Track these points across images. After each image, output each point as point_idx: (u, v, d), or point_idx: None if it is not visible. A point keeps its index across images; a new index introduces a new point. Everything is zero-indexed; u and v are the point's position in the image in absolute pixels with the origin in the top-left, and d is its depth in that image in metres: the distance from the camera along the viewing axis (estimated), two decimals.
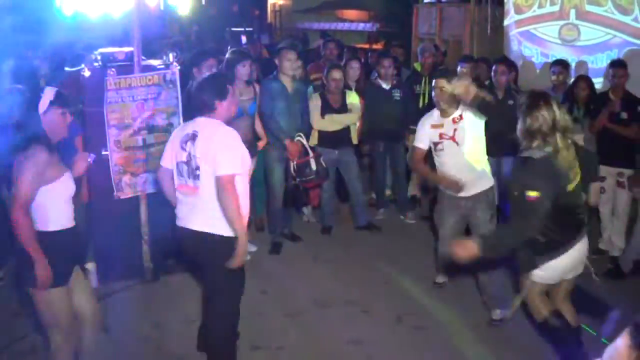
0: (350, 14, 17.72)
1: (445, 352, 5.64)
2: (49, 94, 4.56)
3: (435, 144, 6.05)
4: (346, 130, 7.94)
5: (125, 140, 6.45)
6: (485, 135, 7.59)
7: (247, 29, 16.60)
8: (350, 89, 8.08)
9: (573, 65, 8.67)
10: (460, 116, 5.97)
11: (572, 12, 9.32)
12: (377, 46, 13.45)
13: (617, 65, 7.24)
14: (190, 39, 16.38)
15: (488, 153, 7.63)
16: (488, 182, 6.21)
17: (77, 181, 6.84)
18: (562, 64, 8.28)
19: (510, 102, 7.51)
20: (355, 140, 8.08)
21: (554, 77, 8.22)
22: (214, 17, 19.82)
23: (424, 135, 6.14)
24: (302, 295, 6.60)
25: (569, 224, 4.69)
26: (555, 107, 4.55)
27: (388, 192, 9.17)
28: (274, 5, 21.55)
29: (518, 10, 10.54)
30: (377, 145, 8.58)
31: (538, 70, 10.04)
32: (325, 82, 7.79)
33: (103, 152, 6.44)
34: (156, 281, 6.83)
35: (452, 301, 6.52)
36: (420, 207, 9.26)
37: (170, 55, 6.76)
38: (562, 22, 9.56)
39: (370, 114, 8.19)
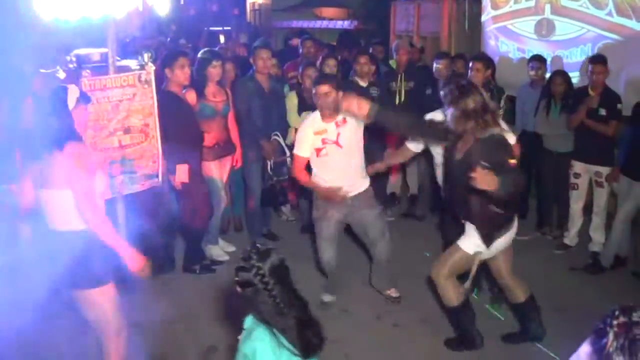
0: (329, 12, 17.73)
1: (423, 350, 5.66)
2: (74, 91, 4.65)
3: (318, 149, 5.93)
4: None
5: (100, 141, 6.41)
6: None
7: (225, 28, 16.56)
8: None
9: (549, 60, 8.68)
10: (344, 119, 5.88)
11: (547, 7, 9.35)
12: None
13: (597, 61, 7.21)
14: (168, 39, 16.32)
15: None
16: (367, 180, 6.21)
17: None
18: (539, 59, 8.30)
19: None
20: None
21: (532, 73, 8.25)
22: (193, 17, 19.75)
23: (306, 143, 5.99)
24: None
25: (517, 199, 5.13)
26: (482, 91, 5.02)
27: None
28: (253, 4, 21.50)
29: (495, 6, 10.57)
30: None
31: (515, 66, 10.07)
32: (300, 80, 7.78)
33: None
34: (134, 283, 6.79)
35: (431, 299, 6.54)
36: (400, 205, 9.29)
37: (146, 56, 6.73)
38: (537, 17, 9.59)
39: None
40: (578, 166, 7.37)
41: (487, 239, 5.14)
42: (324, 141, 5.88)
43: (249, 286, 3.13)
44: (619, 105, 7.06)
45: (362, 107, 5.16)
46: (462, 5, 11.99)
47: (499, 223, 5.13)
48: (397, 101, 8.56)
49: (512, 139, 5.16)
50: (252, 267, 3.12)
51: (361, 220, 6.15)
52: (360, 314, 6.26)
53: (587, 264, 7.23)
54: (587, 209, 7.53)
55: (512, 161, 4.74)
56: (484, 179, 4.45)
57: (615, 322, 1.42)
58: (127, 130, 6.41)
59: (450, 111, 4.99)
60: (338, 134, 5.86)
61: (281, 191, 7.64)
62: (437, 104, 5.95)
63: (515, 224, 5.30)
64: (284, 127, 7.64)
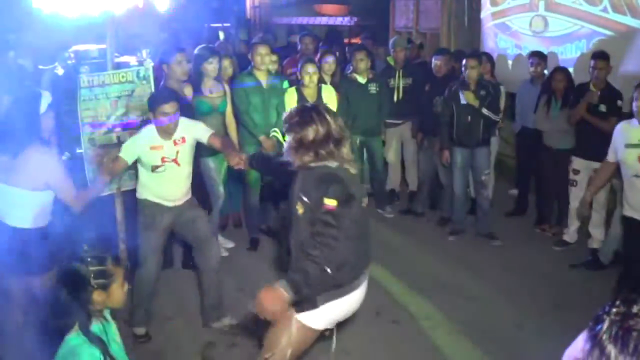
0: (329, 8, 17.70)
1: (421, 346, 5.66)
2: (47, 98, 4.96)
3: (155, 166, 5.55)
4: None
5: (99, 138, 6.41)
6: (457, 126, 7.67)
7: (224, 24, 16.53)
8: (326, 83, 8.06)
9: None
10: (183, 138, 5.57)
11: (542, 4, 9.34)
12: (356, 40, 13.43)
13: (598, 57, 7.18)
14: (168, 35, 16.29)
15: (460, 144, 7.71)
16: (190, 192, 5.94)
17: None
18: (539, 56, 8.30)
19: (482, 92, 7.56)
20: None
21: (532, 69, 8.25)
22: (193, 14, 19.71)
23: (133, 152, 5.54)
24: None
25: (361, 249, 4.07)
26: (329, 118, 3.98)
27: (366, 186, 9.16)
28: (253, 1, 21.47)
29: (493, 3, 10.56)
30: (354, 139, 8.56)
31: (514, 63, 10.06)
32: (299, 77, 7.77)
33: (77, 151, 6.40)
34: (133, 279, 6.79)
35: (430, 296, 6.54)
36: (399, 201, 9.29)
37: (144, 52, 6.72)
38: (532, 14, 9.58)
39: (346, 108, 8.17)
40: (577, 162, 7.36)
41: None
42: (163, 159, 5.53)
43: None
44: (619, 102, 7.05)
45: (239, 161, 5.23)
46: (462, 1, 11.97)
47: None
48: (395, 98, 8.56)
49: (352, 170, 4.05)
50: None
51: (187, 222, 5.81)
52: (359, 310, 6.22)
53: (586, 261, 7.22)
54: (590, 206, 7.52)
55: (331, 202, 3.78)
56: (271, 298, 3.71)
57: (614, 311, 1.42)
58: (125, 127, 6.41)
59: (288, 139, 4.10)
60: (177, 152, 5.56)
61: (280, 187, 7.62)
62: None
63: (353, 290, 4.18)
64: (283, 124, 7.63)
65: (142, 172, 5.67)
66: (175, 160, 5.58)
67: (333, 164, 3.92)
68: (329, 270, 3.74)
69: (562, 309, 6.18)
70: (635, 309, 1.38)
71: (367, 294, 6.46)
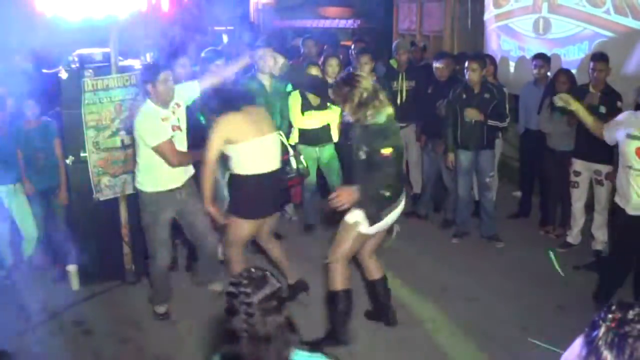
0: (332, 11, 17.72)
1: (424, 348, 5.67)
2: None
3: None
4: (327, 127, 7.93)
5: (103, 141, 6.44)
6: (461, 129, 7.67)
7: (228, 27, 16.54)
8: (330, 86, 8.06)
9: None
10: (177, 104, 5.77)
11: (545, 5, 9.34)
12: (347, 43, 13.44)
13: (598, 58, 7.18)
14: (172, 38, 16.33)
15: (464, 146, 7.70)
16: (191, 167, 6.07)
17: (56, 184, 6.89)
18: (542, 58, 8.29)
19: (487, 95, 7.55)
20: (336, 138, 8.07)
21: (535, 71, 8.24)
22: (196, 17, 19.74)
23: (162, 127, 5.61)
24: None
25: (400, 177, 5.61)
26: (364, 78, 5.27)
27: None
28: (256, 3, 21.49)
29: (496, 5, 10.56)
30: None
31: (517, 64, 10.06)
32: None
33: (82, 154, 6.44)
34: (137, 282, 6.82)
35: (433, 298, 6.55)
36: None
37: (148, 55, 6.75)
38: (535, 16, 9.58)
39: None
40: (578, 164, 7.36)
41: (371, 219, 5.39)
42: (174, 128, 5.70)
43: (233, 314, 2.71)
44: (619, 103, 7.04)
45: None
46: (465, 4, 11.98)
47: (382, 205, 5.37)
48: (398, 101, 8.56)
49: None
50: (238, 295, 2.72)
51: (190, 214, 6.03)
52: (362, 313, 6.26)
53: (590, 262, 7.22)
54: (590, 207, 7.52)
55: (387, 151, 5.08)
56: (345, 194, 4.98)
57: (609, 316, 1.42)
58: (129, 130, 6.44)
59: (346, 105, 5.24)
60: (178, 119, 5.78)
61: (285, 190, 7.64)
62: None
63: (399, 205, 5.51)
64: (287, 127, 7.65)
65: (152, 154, 5.64)
66: (179, 127, 5.77)
67: (382, 119, 5.15)
68: (387, 193, 5.20)
69: (565, 310, 6.18)
70: (631, 315, 1.39)
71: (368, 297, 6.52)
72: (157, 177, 5.78)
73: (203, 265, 6.51)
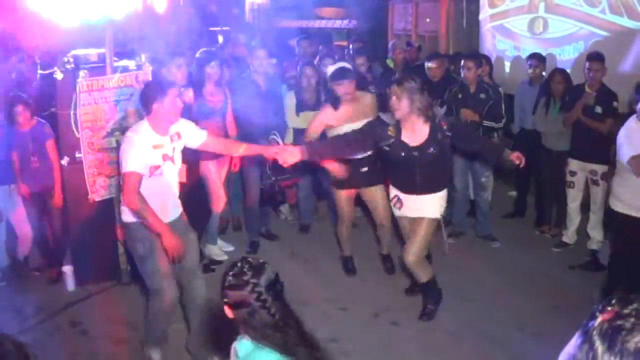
0: (328, 11, 17.71)
1: (420, 347, 5.67)
2: None
3: (155, 167, 4.97)
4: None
5: (98, 142, 6.44)
6: None
7: (223, 28, 16.54)
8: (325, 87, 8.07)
9: None
10: (178, 134, 5.13)
11: (542, 5, 9.36)
12: (342, 43, 13.46)
13: (594, 58, 7.19)
14: (168, 39, 16.33)
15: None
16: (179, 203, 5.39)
17: (51, 186, 6.88)
18: (538, 57, 8.30)
19: (482, 95, 7.55)
20: None
21: (530, 71, 8.25)
22: (192, 17, 19.73)
23: (143, 158, 4.90)
24: None
25: None
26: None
27: None
28: (252, 4, 21.50)
29: (492, 4, 10.58)
30: None
31: (512, 64, 10.08)
32: (298, 80, 7.78)
33: (77, 155, 6.43)
34: (133, 283, 6.81)
35: None
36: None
37: (143, 56, 6.75)
38: (531, 15, 9.60)
39: None
40: (573, 164, 7.37)
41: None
42: (164, 157, 5.03)
43: (244, 307, 2.73)
44: (614, 103, 7.04)
45: (294, 155, 5.39)
46: (460, 3, 11.99)
47: None
48: None
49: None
50: (246, 284, 2.75)
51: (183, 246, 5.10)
52: (358, 313, 6.27)
53: (585, 262, 7.23)
54: (586, 207, 7.52)
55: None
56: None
57: (607, 309, 1.43)
58: (124, 131, 6.43)
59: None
60: (174, 149, 5.11)
61: (280, 191, 7.63)
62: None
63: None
64: (282, 127, 7.64)
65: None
66: (172, 159, 5.10)
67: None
68: None
69: (561, 310, 6.18)
70: (628, 310, 1.39)
71: (366, 295, 6.53)
72: None
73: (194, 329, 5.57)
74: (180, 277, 5.30)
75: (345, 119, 6.50)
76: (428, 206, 5.81)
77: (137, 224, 5.04)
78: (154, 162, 4.95)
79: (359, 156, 6.08)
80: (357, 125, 6.04)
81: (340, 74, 6.53)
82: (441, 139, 5.63)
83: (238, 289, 2.74)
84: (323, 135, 6.66)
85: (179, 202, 5.32)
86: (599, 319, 1.41)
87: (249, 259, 2.87)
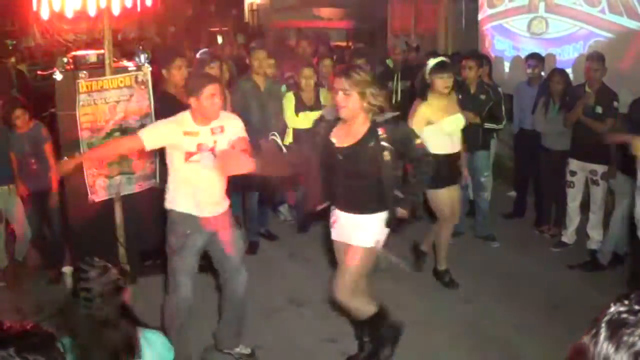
0: (327, 11, 17.75)
1: (419, 348, 5.66)
2: None
3: (190, 153, 4.99)
4: None
5: (98, 142, 6.43)
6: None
7: (223, 28, 16.58)
8: (324, 87, 8.08)
9: None
10: (221, 127, 5.09)
11: (542, 5, 9.37)
12: (342, 43, 13.50)
13: (593, 58, 7.20)
14: (167, 39, 16.36)
15: None
16: (227, 202, 5.39)
17: (46, 188, 6.88)
18: (537, 58, 8.31)
19: (483, 96, 7.54)
20: None
21: (529, 71, 8.26)
22: (190, 18, 19.76)
23: (161, 136, 5.06)
24: (278, 294, 6.61)
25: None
26: None
27: None
28: (251, 4, 21.52)
29: (491, 5, 10.59)
30: None
31: (510, 64, 10.08)
32: (297, 80, 7.79)
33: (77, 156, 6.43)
34: (133, 283, 6.81)
35: (429, 298, 6.55)
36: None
37: (142, 56, 6.75)
38: (531, 15, 9.61)
39: None
40: (574, 164, 7.37)
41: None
42: (199, 147, 5.01)
43: (76, 297, 3.10)
44: (615, 103, 7.05)
45: (245, 166, 4.71)
46: (459, 4, 12.00)
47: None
48: (393, 100, 8.57)
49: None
50: (82, 280, 3.12)
51: (220, 246, 5.25)
52: None
53: (585, 262, 7.23)
54: (585, 207, 7.53)
55: (419, 141, 4.95)
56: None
57: (624, 301, 1.44)
58: (124, 131, 6.44)
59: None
60: (215, 142, 5.05)
61: (279, 191, 7.64)
62: None
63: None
64: (282, 128, 7.65)
65: (174, 168, 5.14)
66: (212, 150, 5.02)
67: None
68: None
69: (560, 310, 6.19)
70: (638, 307, 1.41)
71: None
72: (178, 192, 5.17)
73: (226, 322, 5.58)
74: (220, 270, 5.38)
75: (443, 112, 6.47)
76: (357, 230, 4.95)
77: (175, 213, 5.13)
78: (188, 149, 4.97)
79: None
80: (452, 118, 6.40)
81: (442, 67, 6.45)
82: (374, 147, 4.75)
83: (76, 281, 3.15)
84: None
85: (221, 199, 5.30)
86: (612, 309, 1.43)
87: (96, 260, 3.26)
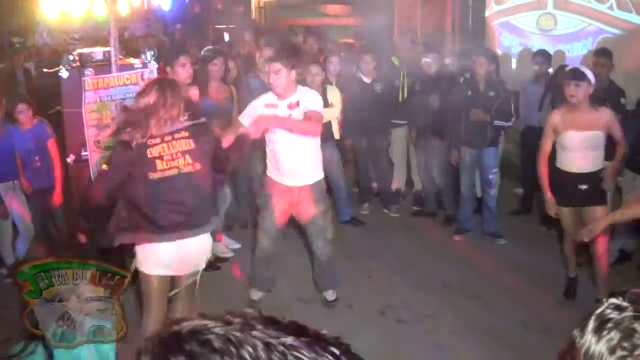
0: (334, 9, 17.72)
1: (426, 345, 5.67)
2: None
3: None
4: (328, 125, 7.92)
5: (104, 140, 6.44)
6: (466, 126, 7.63)
7: (229, 25, 16.56)
8: (331, 84, 8.07)
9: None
10: (297, 102, 5.69)
11: (550, 2, 9.34)
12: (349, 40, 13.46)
13: (601, 54, 7.18)
14: (174, 37, 16.37)
15: (469, 144, 7.68)
16: (319, 174, 6.09)
17: (50, 185, 6.89)
18: (544, 55, 8.29)
19: (492, 93, 7.51)
20: (337, 135, 8.06)
21: (536, 67, 8.23)
22: (197, 15, 19.77)
23: (250, 111, 5.81)
24: (286, 291, 6.61)
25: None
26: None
27: (375, 184, 9.10)
28: (258, 2, 21.51)
29: (498, 1, 10.57)
30: (360, 139, 8.54)
31: (517, 61, 10.06)
32: (304, 78, 7.77)
33: (83, 153, 6.44)
34: (135, 280, 6.81)
35: (435, 295, 6.54)
36: (404, 201, 9.27)
37: (148, 54, 6.75)
38: (540, 12, 9.59)
39: (351, 109, 8.17)
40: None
41: None
42: None
43: None
44: (622, 100, 7.02)
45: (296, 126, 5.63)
46: (466, 0, 11.97)
47: None
48: (400, 98, 8.56)
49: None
50: None
51: (304, 214, 6.06)
52: (364, 310, 6.27)
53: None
54: None
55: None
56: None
57: (617, 297, 1.46)
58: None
59: None
60: (289, 115, 5.67)
61: None
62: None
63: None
64: None
65: (266, 137, 5.83)
66: None
67: None
68: None
69: (567, 306, 6.18)
70: (625, 304, 1.42)
71: (371, 293, 6.52)
72: (269, 160, 6.01)
73: (317, 268, 6.43)
74: (308, 237, 6.31)
75: (569, 125, 5.93)
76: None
77: (266, 178, 6.13)
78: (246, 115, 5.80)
79: (577, 171, 5.93)
80: (580, 135, 5.85)
81: (571, 73, 5.99)
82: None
83: None
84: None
85: (307, 169, 5.93)
86: (605, 304, 1.44)
87: None
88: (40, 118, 6.95)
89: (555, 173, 6.02)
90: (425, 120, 8.14)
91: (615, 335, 1.35)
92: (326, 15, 17.82)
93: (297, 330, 1.15)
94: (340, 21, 16.54)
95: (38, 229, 7.13)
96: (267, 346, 1.08)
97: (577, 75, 5.86)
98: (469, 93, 7.60)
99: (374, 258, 7.32)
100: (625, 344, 1.34)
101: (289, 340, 1.10)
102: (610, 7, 8.27)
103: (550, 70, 8.20)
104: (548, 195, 6.12)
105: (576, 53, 8.89)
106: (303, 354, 1.08)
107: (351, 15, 16.14)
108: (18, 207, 6.98)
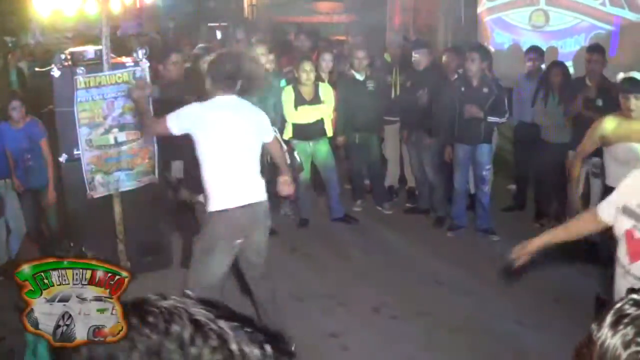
0: (326, 6, 17.71)
1: (420, 342, 5.66)
2: None
3: None
4: (320, 122, 7.93)
5: (96, 139, 6.42)
6: (459, 122, 7.64)
7: (222, 23, 16.53)
8: (323, 81, 8.06)
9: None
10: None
11: None
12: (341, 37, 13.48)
13: (593, 50, 7.19)
14: (166, 35, 16.35)
15: (462, 140, 7.69)
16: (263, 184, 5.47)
17: (42, 184, 6.88)
18: (536, 51, 8.30)
19: (485, 90, 7.51)
20: (330, 132, 8.07)
21: (529, 64, 8.23)
22: (190, 13, 19.75)
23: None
24: (279, 289, 6.55)
25: None
26: None
27: (368, 182, 9.10)
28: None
29: None
30: (353, 136, 8.53)
31: (510, 57, 10.06)
32: (296, 75, 7.77)
33: (75, 152, 6.42)
34: (134, 280, 6.78)
35: (429, 291, 6.55)
36: (398, 198, 9.27)
37: (140, 52, 6.73)
38: (532, 8, 9.59)
39: (344, 105, 8.17)
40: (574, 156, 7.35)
41: None
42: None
43: None
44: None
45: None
46: None
47: None
48: (392, 94, 8.55)
49: None
50: None
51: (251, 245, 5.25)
52: (358, 307, 6.26)
53: (586, 255, 7.20)
54: (586, 200, 7.50)
55: None
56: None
57: (637, 293, 1.47)
58: (122, 128, 6.43)
59: None
60: None
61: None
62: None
63: None
64: (281, 122, 7.63)
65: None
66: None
67: None
68: None
69: (561, 303, 6.19)
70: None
71: (366, 290, 6.52)
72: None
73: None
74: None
75: (623, 136, 5.42)
76: None
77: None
78: None
79: None
80: (630, 146, 5.30)
81: (630, 84, 5.43)
82: None
83: None
84: None
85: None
86: (630, 296, 1.45)
87: None
88: (33, 117, 6.93)
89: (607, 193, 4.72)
90: (415, 117, 8.14)
91: (630, 331, 1.36)
92: (318, 12, 17.80)
93: (229, 314, 1.15)
94: (332, 18, 16.53)
95: (30, 228, 7.12)
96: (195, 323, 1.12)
97: (638, 87, 5.35)
98: (462, 89, 7.59)
99: (368, 255, 7.32)
100: None
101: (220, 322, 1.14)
102: (603, 3, 8.28)
103: (543, 66, 8.18)
104: (577, 205, 5.85)
105: (569, 49, 8.90)
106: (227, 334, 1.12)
107: (343, 13, 16.13)
108: (10, 206, 6.96)
